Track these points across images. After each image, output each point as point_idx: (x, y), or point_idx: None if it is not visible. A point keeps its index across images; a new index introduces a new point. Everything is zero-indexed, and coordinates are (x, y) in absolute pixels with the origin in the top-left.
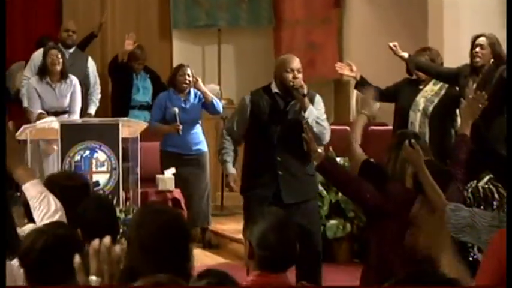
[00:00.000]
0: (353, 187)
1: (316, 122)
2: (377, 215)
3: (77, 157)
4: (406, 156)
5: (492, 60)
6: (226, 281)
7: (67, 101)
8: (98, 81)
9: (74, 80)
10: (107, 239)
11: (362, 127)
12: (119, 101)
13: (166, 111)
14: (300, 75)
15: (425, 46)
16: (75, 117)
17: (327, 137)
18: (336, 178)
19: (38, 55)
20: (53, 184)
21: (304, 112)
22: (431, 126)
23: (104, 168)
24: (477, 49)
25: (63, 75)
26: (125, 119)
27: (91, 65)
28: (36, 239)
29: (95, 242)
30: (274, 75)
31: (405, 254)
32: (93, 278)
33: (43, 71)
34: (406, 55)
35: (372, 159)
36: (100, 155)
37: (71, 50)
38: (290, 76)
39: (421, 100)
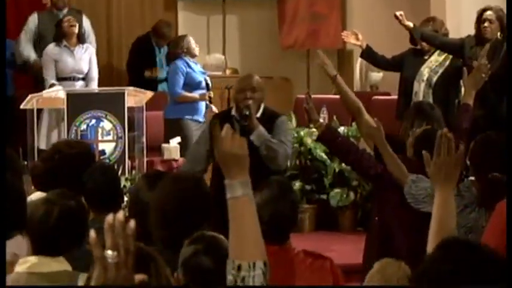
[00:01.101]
0: (353, 156)
1: (266, 146)
2: (379, 184)
3: (83, 126)
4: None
5: (500, 33)
6: (218, 247)
7: (86, 65)
8: (94, 38)
9: (89, 45)
10: (120, 214)
11: (347, 88)
12: (141, 77)
13: (188, 78)
14: (254, 94)
15: (428, 17)
16: (94, 84)
17: (280, 161)
18: (337, 148)
19: (32, 19)
20: (56, 151)
21: (249, 134)
22: (435, 96)
23: (110, 137)
24: (486, 24)
25: (79, 39)
26: (131, 88)
27: (86, 22)
28: (50, 211)
29: (109, 217)
30: (232, 97)
31: (408, 224)
32: (109, 252)
33: (59, 37)
34: (411, 25)
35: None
36: (106, 124)
37: (65, 11)
38: (240, 97)
39: (425, 70)
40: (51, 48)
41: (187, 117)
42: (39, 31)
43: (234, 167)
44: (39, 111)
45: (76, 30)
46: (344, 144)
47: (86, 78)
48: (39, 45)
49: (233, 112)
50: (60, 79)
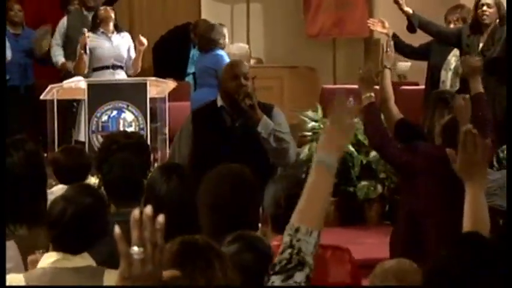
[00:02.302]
0: (384, 140)
1: (275, 136)
2: (407, 171)
3: (105, 117)
4: (456, 111)
5: (498, 20)
6: (259, 246)
7: (124, 54)
8: None
9: (127, 33)
10: (148, 209)
11: (390, 82)
12: (174, 69)
13: None
14: (248, 82)
15: (457, 3)
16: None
17: (291, 155)
18: (373, 127)
19: (62, 22)
20: (113, 142)
21: (257, 126)
22: (462, 85)
23: (132, 129)
24: (484, 8)
25: (117, 27)
26: (153, 78)
27: None
28: (65, 209)
29: (136, 212)
30: (219, 87)
31: (437, 213)
32: (134, 248)
33: (95, 26)
34: (410, 11)
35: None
36: (128, 115)
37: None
38: (233, 85)
39: (452, 59)
40: (90, 37)
41: None
42: (68, 33)
43: (342, 139)
44: (78, 102)
45: (113, 15)
46: (380, 126)
47: (124, 66)
48: (69, 47)
49: (220, 103)
50: (98, 68)
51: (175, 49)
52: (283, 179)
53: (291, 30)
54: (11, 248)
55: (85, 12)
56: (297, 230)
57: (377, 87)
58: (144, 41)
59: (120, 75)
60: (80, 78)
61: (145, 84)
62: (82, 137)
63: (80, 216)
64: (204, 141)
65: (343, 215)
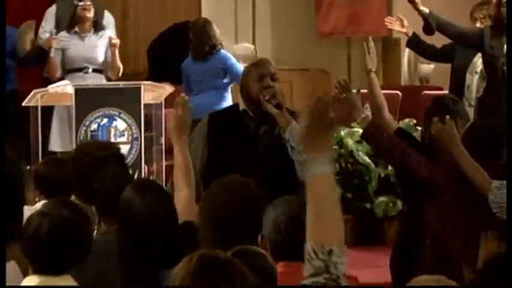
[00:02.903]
0: (400, 156)
1: None
2: (430, 187)
3: (94, 126)
4: (436, 134)
5: None
6: (264, 265)
7: (99, 55)
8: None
9: (109, 31)
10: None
11: (379, 88)
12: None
13: None
14: (275, 84)
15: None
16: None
17: None
18: (382, 145)
19: (51, 10)
20: (84, 154)
21: (284, 132)
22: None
23: (124, 138)
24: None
25: (96, 27)
26: (148, 82)
27: (108, 15)
28: (40, 225)
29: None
30: (241, 88)
31: (463, 227)
32: None
33: (72, 23)
34: (426, 10)
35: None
36: (119, 123)
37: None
38: (258, 86)
39: (478, 61)
40: (60, 36)
41: None
42: (57, 22)
43: (322, 138)
44: (50, 108)
45: (90, 14)
46: (390, 141)
47: (104, 70)
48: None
49: (242, 106)
50: (70, 71)
51: (173, 50)
52: (283, 203)
53: (301, 28)
54: (12, 268)
55: (75, 1)
56: (330, 253)
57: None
58: (115, 41)
59: (95, 80)
60: (67, 82)
61: (140, 88)
62: (57, 147)
63: (58, 230)
64: (221, 149)
65: (359, 235)
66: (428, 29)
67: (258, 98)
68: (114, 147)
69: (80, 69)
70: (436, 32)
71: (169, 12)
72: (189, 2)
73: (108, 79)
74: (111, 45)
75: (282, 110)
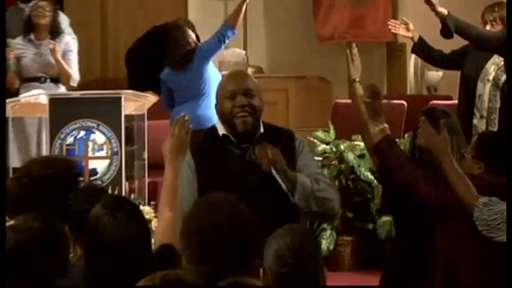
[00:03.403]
0: (409, 176)
1: (317, 199)
2: (440, 212)
3: (70, 139)
4: (426, 143)
5: None
6: None
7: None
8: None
9: (67, 36)
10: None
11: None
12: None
13: None
14: (252, 100)
15: (496, 1)
16: (72, 83)
17: (336, 210)
18: (391, 161)
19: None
20: (26, 174)
21: (293, 191)
22: (504, 100)
23: (103, 153)
24: None
25: (53, 33)
26: (129, 91)
27: (63, 19)
28: (8, 239)
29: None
30: (215, 105)
31: (477, 257)
32: None
33: (28, 29)
34: (445, 12)
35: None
36: (98, 136)
37: (31, 4)
38: (230, 105)
39: (491, 68)
40: (13, 44)
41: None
42: (7, 30)
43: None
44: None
45: (45, 21)
46: (404, 159)
47: (60, 80)
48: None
49: (222, 131)
50: (24, 80)
51: (152, 56)
52: (286, 233)
53: (297, 32)
54: None
55: (20, 5)
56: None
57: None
58: (52, 46)
59: (52, 89)
60: (40, 91)
61: (120, 98)
62: (17, 163)
63: (27, 245)
64: (210, 181)
65: (361, 258)
66: (446, 32)
67: (231, 118)
68: (62, 165)
69: (36, 79)
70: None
71: (150, 13)
72: (174, 2)
73: (69, 89)
74: (50, 51)
75: (280, 161)
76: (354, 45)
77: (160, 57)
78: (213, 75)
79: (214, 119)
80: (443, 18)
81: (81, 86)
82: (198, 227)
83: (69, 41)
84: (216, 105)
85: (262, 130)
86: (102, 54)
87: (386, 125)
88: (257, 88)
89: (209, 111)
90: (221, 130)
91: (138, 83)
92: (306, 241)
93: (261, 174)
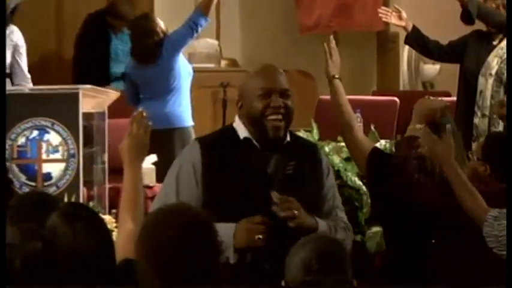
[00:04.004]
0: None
1: (334, 229)
2: (450, 225)
3: (21, 140)
4: (427, 146)
5: None
6: None
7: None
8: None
9: (14, 31)
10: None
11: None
12: (92, 74)
13: None
14: (288, 103)
15: None
16: (23, 82)
17: (349, 248)
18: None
19: None
20: None
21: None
22: (508, 96)
23: (58, 155)
24: None
25: None
26: (88, 86)
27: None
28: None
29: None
30: (238, 101)
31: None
32: None
33: None
34: None
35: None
36: (53, 137)
37: None
38: (262, 104)
39: (494, 61)
40: None
41: (188, 124)
42: None
43: None
44: None
45: None
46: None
47: (11, 74)
48: None
49: (244, 133)
50: None
51: (92, 46)
52: (313, 240)
53: (277, 21)
54: None
55: None
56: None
57: None
58: None
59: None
60: None
61: (77, 94)
62: None
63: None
64: (225, 188)
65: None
66: (467, 17)
67: (261, 120)
68: None
69: None
70: (438, 25)
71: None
72: None
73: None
74: None
75: (285, 199)
76: (331, 37)
77: (100, 44)
78: (184, 69)
79: (184, 117)
80: (463, 3)
81: (34, 81)
82: (152, 239)
83: (17, 37)
84: (240, 104)
85: (288, 139)
86: (56, 47)
87: (360, 124)
88: (291, 88)
89: (179, 108)
90: (242, 132)
91: (83, 78)
92: (334, 247)
93: (286, 185)
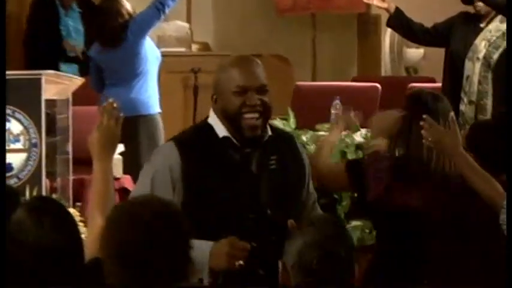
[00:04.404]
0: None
1: None
2: (427, 223)
3: None
4: (432, 140)
5: None
6: None
7: None
8: None
9: None
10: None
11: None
12: (42, 52)
13: None
14: (265, 98)
15: None
16: None
17: None
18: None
19: None
20: None
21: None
22: (496, 82)
23: (20, 145)
24: None
25: None
26: (51, 72)
27: None
28: None
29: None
30: (214, 95)
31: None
32: None
33: None
34: None
35: None
36: (13, 126)
37: None
38: (238, 101)
39: (482, 44)
40: None
41: (155, 111)
42: None
43: None
44: None
45: None
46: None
47: None
48: None
49: (222, 132)
50: None
51: (42, 25)
52: (313, 230)
53: (252, 3)
54: None
55: None
56: None
57: None
58: None
59: None
60: None
61: (40, 80)
62: None
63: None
64: (208, 192)
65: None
66: None
67: (236, 118)
68: None
69: None
70: (422, 7)
71: None
72: None
73: None
74: None
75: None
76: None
77: (50, 25)
78: (151, 53)
79: (151, 104)
80: None
81: None
82: (116, 236)
83: None
84: (215, 98)
85: (270, 133)
86: (17, 27)
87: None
88: (266, 74)
89: (145, 95)
90: (221, 130)
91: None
92: (339, 242)
93: (270, 185)
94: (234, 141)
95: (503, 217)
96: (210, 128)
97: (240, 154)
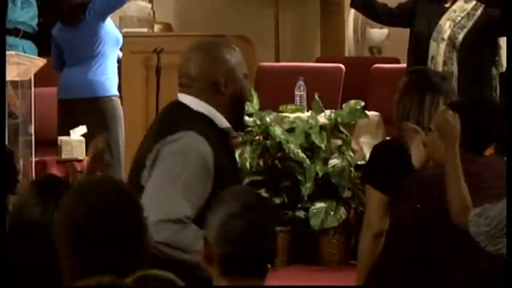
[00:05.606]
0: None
1: None
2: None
3: None
4: (437, 124)
5: None
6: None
7: None
8: None
9: None
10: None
11: None
12: None
13: None
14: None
15: None
16: None
17: None
18: None
19: None
20: None
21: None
22: (461, 62)
23: None
24: None
25: None
26: (12, 52)
27: None
28: None
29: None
30: (224, 84)
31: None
32: None
33: None
34: None
35: None
36: None
37: None
38: (249, 87)
39: (446, 24)
40: None
41: (112, 93)
42: None
43: None
44: None
45: None
46: None
47: None
48: None
49: (225, 123)
50: None
51: None
52: (233, 196)
53: None
54: None
55: None
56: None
57: None
58: None
59: None
60: None
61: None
62: None
63: None
64: (227, 180)
65: (291, 251)
66: None
67: (245, 103)
68: None
69: None
70: None
71: None
72: None
73: None
74: None
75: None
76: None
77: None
78: (111, 34)
79: (108, 85)
80: None
81: None
82: (67, 217)
83: None
84: (224, 83)
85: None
86: None
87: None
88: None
89: (103, 76)
90: (221, 121)
91: None
92: (262, 212)
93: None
94: (232, 129)
95: (473, 229)
96: (208, 119)
97: (232, 143)
